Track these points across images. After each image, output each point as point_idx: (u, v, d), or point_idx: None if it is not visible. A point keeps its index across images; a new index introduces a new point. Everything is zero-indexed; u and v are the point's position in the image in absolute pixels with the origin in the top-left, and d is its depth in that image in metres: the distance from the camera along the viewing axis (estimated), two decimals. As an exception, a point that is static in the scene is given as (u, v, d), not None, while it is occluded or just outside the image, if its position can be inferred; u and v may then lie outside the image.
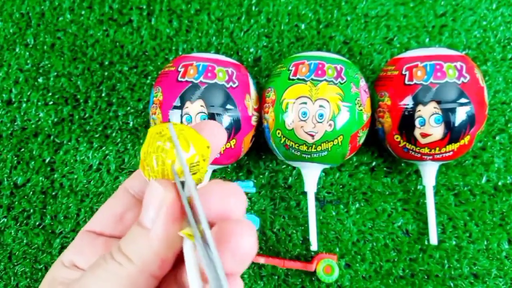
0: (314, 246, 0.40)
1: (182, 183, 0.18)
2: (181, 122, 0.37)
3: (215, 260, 0.16)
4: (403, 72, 0.38)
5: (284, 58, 0.45)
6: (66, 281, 0.19)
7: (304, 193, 0.43)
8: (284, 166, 0.44)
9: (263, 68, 0.46)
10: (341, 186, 0.43)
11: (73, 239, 0.43)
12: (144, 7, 0.47)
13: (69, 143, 0.45)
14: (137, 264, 0.17)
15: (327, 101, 0.36)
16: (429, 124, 0.36)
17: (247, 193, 0.43)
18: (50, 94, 0.46)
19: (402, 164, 0.44)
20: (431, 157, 0.38)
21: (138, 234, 0.18)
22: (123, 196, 0.21)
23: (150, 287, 0.18)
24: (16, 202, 0.44)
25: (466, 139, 0.37)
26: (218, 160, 0.38)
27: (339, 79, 0.37)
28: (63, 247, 0.43)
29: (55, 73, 0.46)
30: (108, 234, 0.21)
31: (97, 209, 0.44)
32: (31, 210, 0.44)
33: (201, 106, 0.36)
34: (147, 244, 0.17)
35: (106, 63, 0.46)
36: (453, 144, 0.37)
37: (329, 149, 0.37)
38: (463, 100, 0.36)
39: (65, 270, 0.20)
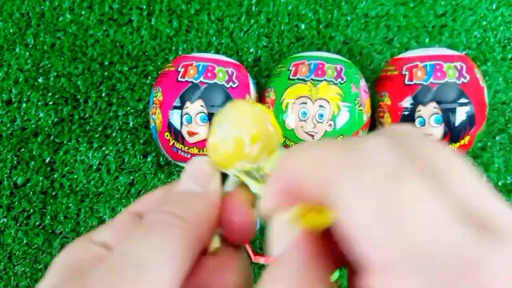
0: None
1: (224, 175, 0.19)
2: (181, 122, 0.37)
3: None
4: (403, 72, 0.38)
5: (284, 58, 0.45)
6: (96, 254, 0.16)
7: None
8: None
9: (263, 68, 0.46)
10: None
11: (73, 239, 0.43)
12: (144, 7, 0.47)
13: (69, 143, 0.45)
14: (191, 222, 0.16)
15: (327, 101, 0.36)
16: (429, 124, 0.36)
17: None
18: (50, 94, 0.46)
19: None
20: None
21: (187, 196, 0.17)
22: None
23: (198, 252, 0.16)
24: (16, 202, 0.44)
25: (466, 139, 0.37)
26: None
27: (339, 79, 0.37)
28: (63, 247, 0.43)
29: (55, 73, 0.46)
30: None
31: (97, 209, 0.44)
32: (31, 210, 0.44)
33: (201, 106, 0.36)
34: (201, 205, 0.17)
35: (106, 63, 0.46)
36: (453, 144, 0.37)
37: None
38: (463, 100, 0.36)
39: (93, 247, 0.16)
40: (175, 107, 0.37)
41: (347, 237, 0.12)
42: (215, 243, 0.17)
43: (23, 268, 0.43)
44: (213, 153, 0.19)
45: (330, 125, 0.36)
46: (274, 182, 0.15)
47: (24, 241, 0.43)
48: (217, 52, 0.46)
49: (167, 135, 0.38)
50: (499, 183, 0.43)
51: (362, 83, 0.39)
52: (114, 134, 0.45)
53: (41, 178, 0.44)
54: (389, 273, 0.10)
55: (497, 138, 0.44)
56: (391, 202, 0.11)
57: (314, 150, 0.13)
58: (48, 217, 0.43)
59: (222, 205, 0.18)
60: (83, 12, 0.47)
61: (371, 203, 0.11)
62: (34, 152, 0.45)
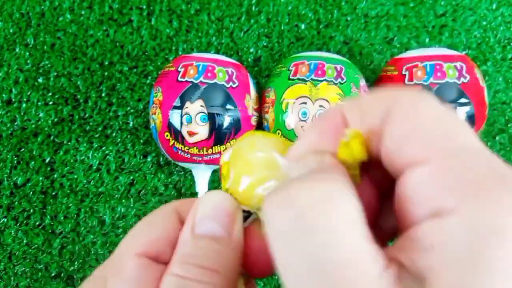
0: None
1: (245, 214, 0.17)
2: (181, 122, 0.37)
3: None
4: (403, 72, 0.38)
5: (284, 58, 0.45)
6: None
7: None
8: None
9: (263, 68, 0.46)
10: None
11: (73, 239, 0.44)
12: (144, 7, 0.47)
13: (69, 143, 0.45)
14: (223, 274, 0.15)
15: (327, 101, 0.36)
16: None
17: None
18: (50, 94, 0.46)
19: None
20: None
21: (213, 242, 0.15)
22: (173, 219, 0.17)
23: None
24: (16, 202, 0.44)
25: (466, 139, 0.37)
26: (219, 160, 0.38)
27: (339, 79, 0.37)
28: (63, 247, 0.43)
29: (55, 73, 0.46)
30: (163, 260, 0.17)
31: (97, 209, 0.44)
32: (31, 210, 0.44)
33: (201, 106, 0.36)
34: (229, 252, 0.15)
35: (106, 63, 0.46)
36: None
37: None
38: (463, 100, 0.36)
39: None
40: (175, 107, 0.37)
41: (387, 149, 0.13)
42: (240, 285, 0.17)
43: (23, 268, 0.43)
44: (238, 194, 0.17)
45: (330, 125, 0.36)
46: (322, 121, 0.15)
47: (24, 241, 0.43)
48: (217, 52, 0.46)
49: (167, 135, 0.38)
50: (499, 183, 0.43)
51: (362, 83, 0.39)
52: (114, 134, 0.45)
53: (41, 178, 0.44)
54: (434, 163, 0.11)
55: (497, 138, 0.44)
56: (440, 114, 0.13)
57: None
58: (48, 217, 0.43)
59: (245, 243, 0.17)
60: (83, 12, 0.47)
61: (422, 113, 0.13)
62: (34, 152, 0.45)
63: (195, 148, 0.37)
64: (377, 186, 0.16)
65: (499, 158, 0.12)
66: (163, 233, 0.17)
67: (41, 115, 0.45)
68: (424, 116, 0.12)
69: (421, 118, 0.12)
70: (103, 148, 0.44)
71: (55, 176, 0.44)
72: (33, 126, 0.45)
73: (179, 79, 0.37)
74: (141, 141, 0.45)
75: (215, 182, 0.44)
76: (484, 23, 0.46)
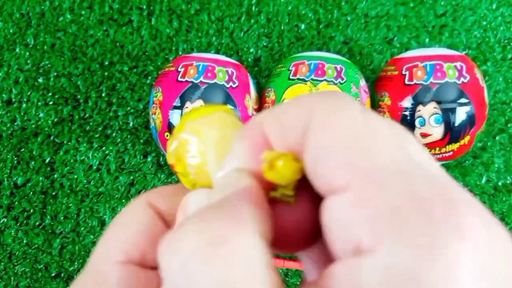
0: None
1: None
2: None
3: None
4: (403, 72, 0.38)
5: (284, 58, 0.45)
6: None
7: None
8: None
9: (263, 68, 0.46)
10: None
11: (73, 239, 0.44)
12: (144, 7, 0.47)
13: (69, 143, 0.45)
14: None
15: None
16: (429, 124, 0.36)
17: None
18: (50, 94, 0.46)
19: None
20: (431, 157, 0.38)
21: None
22: (149, 213, 0.16)
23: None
24: (16, 202, 0.44)
25: (466, 139, 0.37)
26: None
27: (339, 79, 0.37)
28: (63, 247, 0.43)
29: (55, 73, 0.46)
30: (150, 263, 0.15)
31: (97, 209, 0.44)
32: (31, 210, 0.44)
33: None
34: None
35: (106, 63, 0.46)
36: (453, 144, 0.37)
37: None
38: (463, 100, 0.36)
39: None
40: (175, 107, 0.37)
41: (313, 166, 0.11)
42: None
43: (23, 268, 0.43)
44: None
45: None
46: (247, 137, 0.13)
47: (24, 241, 0.43)
48: (217, 52, 0.46)
49: (167, 135, 0.38)
50: (499, 183, 0.43)
51: (362, 83, 0.39)
52: (114, 134, 0.45)
53: (41, 178, 0.44)
54: (351, 191, 0.10)
55: (497, 138, 0.44)
56: (359, 128, 0.11)
57: (291, 100, 0.13)
58: (48, 217, 0.43)
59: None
60: (83, 12, 0.47)
61: (339, 128, 0.11)
62: (34, 152, 0.45)
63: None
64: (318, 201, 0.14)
65: (431, 162, 0.11)
66: (143, 231, 0.15)
67: (41, 115, 0.45)
68: (341, 131, 0.11)
69: (337, 134, 0.11)
70: (103, 148, 0.44)
71: (55, 176, 0.44)
72: (33, 126, 0.45)
73: (179, 79, 0.37)
74: (141, 141, 0.45)
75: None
76: (484, 23, 0.46)
